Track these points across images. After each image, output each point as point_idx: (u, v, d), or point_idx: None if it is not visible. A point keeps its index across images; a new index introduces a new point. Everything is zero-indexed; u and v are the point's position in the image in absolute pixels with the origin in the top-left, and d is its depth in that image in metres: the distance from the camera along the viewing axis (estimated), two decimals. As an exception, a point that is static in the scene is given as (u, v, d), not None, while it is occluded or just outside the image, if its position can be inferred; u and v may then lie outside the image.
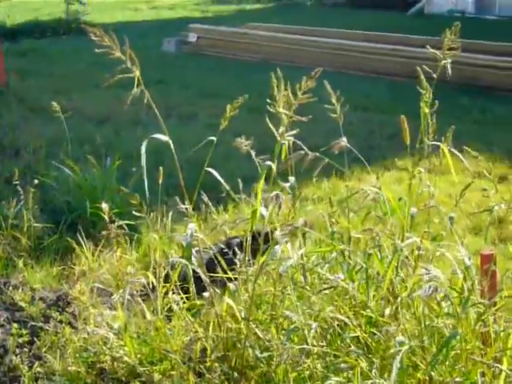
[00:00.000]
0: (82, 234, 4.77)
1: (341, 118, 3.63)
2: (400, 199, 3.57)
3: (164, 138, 3.31)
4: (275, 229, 3.99)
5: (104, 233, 3.85)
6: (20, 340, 4.01)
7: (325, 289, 2.95)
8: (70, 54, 14.94)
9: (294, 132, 3.11)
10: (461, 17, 20.51)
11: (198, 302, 3.55)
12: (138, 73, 3.09)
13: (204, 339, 3.21)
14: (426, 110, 3.04)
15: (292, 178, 3.22)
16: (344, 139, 3.33)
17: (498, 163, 6.97)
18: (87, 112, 9.35)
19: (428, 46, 3.49)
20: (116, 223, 4.27)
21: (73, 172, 5.63)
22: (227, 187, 3.73)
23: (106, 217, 4.31)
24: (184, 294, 3.70)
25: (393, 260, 2.92)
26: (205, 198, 4.14)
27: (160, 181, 3.50)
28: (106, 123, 8.97)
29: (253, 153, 3.39)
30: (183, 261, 3.23)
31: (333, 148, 3.31)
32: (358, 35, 14.23)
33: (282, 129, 3.06)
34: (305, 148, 3.20)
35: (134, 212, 4.70)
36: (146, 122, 8.54)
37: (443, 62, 3.11)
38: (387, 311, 2.98)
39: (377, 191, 3.49)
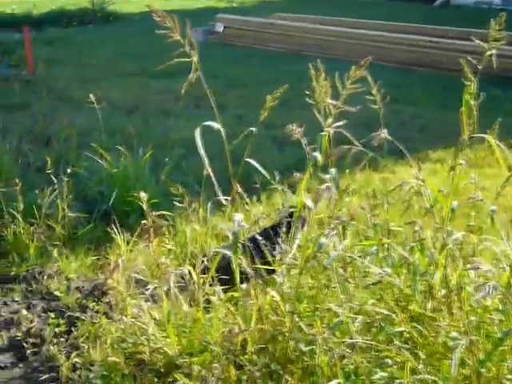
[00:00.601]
0: (117, 223, 4.75)
1: (380, 109, 3.59)
2: (439, 191, 3.52)
3: (216, 125, 3.27)
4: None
5: (144, 223, 3.79)
6: (57, 330, 4.01)
7: (373, 283, 2.91)
8: (96, 43, 14.94)
9: (341, 123, 3.07)
10: (487, 8, 20.33)
11: (238, 294, 3.53)
12: (195, 58, 3.05)
13: (245, 331, 3.17)
14: (472, 102, 2.97)
15: (333, 170, 3.17)
16: (385, 131, 3.28)
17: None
18: (116, 101, 9.33)
19: (473, 38, 3.43)
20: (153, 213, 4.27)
21: (105, 162, 5.63)
22: (268, 176, 3.69)
23: (145, 206, 4.30)
24: (221, 286, 3.67)
25: (441, 255, 2.87)
26: (239, 189, 4.12)
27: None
28: (135, 113, 8.96)
29: (304, 141, 3.34)
30: (227, 252, 3.19)
31: (373, 140, 3.27)
32: (387, 26, 14.11)
33: (329, 120, 3.02)
34: (353, 139, 3.15)
35: (174, 202, 4.71)
36: (175, 111, 8.53)
37: (488, 53, 3.03)
38: (430, 306, 2.94)
39: (420, 183, 3.44)
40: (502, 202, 5.25)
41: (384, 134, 3.24)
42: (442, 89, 10.14)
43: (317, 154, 3.03)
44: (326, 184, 2.97)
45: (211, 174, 3.24)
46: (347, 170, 4.91)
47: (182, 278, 3.93)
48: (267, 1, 25.61)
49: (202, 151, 3.07)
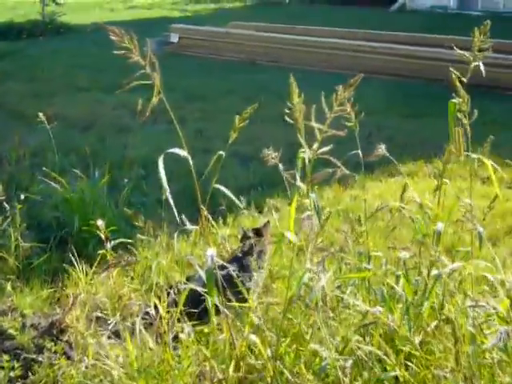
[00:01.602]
0: (74, 252, 4.43)
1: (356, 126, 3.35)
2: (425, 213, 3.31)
3: (182, 152, 2.98)
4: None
5: (111, 260, 3.50)
6: (12, 374, 3.68)
7: (366, 324, 2.64)
8: (48, 56, 14.52)
9: (327, 148, 2.81)
10: (443, 13, 20.34)
11: (209, 329, 3.27)
12: (158, 80, 2.77)
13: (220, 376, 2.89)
14: (465, 121, 2.73)
15: (314, 196, 2.91)
16: (383, 147, 3.06)
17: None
18: (70, 117, 8.97)
19: (447, 45, 3.20)
20: (112, 242, 4.00)
21: (60, 185, 5.29)
22: (240, 204, 3.42)
23: (102, 235, 4.02)
24: (190, 319, 3.41)
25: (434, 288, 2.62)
26: (205, 211, 3.86)
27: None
28: (91, 130, 8.59)
29: (281, 167, 3.08)
30: (199, 288, 2.91)
31: (369, 157, 3.05)
32: (343, 33, 13.94)
33: (315, 145, 2.76)
34: (339, 164, 2.88)
35: (134, 227, 4.43)
36: (132, 127, 8.21)
37: (473, 64, 2.79)
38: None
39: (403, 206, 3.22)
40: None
41: (382, 149, 3.02)
42: (403, 97, 9.98)
43: (300, 184, 2.76)
44: (308, 213, 2.71)
45: (171, 202, 2.94)
46: (315, 187, 4.66)
47: (147, 313, 3.65)
48: (222, 9, 25.42)
49: (165, 184, 2.77)
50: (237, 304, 3.08)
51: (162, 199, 5.86)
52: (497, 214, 5.10)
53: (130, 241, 4.37)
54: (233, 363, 2.79)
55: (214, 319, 3.10)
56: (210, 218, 4.11)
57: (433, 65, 10.98)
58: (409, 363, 2.71)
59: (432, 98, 8.72)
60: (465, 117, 2.78)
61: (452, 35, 13.05)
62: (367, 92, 8.92)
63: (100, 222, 4.02)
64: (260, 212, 5.45)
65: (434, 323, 2.75)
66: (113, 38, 2.67)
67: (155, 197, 5.84)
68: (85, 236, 4.95)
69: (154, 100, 2.73)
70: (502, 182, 5.78)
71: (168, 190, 2.83)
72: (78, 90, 11.01)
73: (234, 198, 3.48)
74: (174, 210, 3.11)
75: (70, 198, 5.21)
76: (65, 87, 11.17)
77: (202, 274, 2.90)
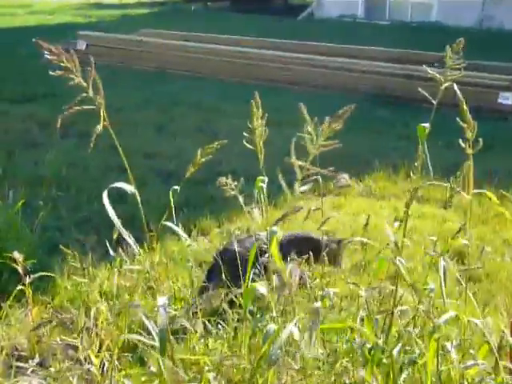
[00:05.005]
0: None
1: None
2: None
3: (128, 188, 2.64)
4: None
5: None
6: None
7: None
8: None
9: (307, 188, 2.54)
10: (351, 21, 20.43)
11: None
12: (102, 105, 2.44)
13: None
14: (470, 151, 2.48)
15: (275, 229, 2.64)
16: (345, 176, 2.83)
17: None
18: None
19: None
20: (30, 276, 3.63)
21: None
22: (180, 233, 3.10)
23: (21, 270, 3.64)
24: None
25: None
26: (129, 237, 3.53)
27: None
28: (-3, 144, 8.05)
29: (240, 198, 2.79)
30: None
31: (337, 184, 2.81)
32: (259, 42, 13.73)
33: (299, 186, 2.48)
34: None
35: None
36: (43, 142, 7.74)
37: (445, 84, 2.55)
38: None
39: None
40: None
41: (345, 178, 2.79)
42: (321, 110, 9.77)
43: (274, 229, 2.48)
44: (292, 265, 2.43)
45: (130, 241, 2.62)
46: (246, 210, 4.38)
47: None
48: (128, 15, 24.90)
49: (118, 224, 2.43)
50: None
51: (79, 222, 5.50)
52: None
53: (49, 274, 4.01)
54: None
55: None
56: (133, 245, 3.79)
57: (347, 76, 10.93)
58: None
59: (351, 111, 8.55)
60: (469, 146, 2.51)
61: (361, 45, 13.07)
62: (280, 105, 8.69)
63: (17, 255, 3.66)
64: (189, 235, 5.12)
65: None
66: (50, 57, 2.31)
67: (72, 219, 5.45)
68: (-2, 266, 4.52)
69: (99, 128, 2.38)
70: (436, 202, 5.65)
71: (123, 231, 2.48)
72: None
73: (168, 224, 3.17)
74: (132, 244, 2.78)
75: (-21, 224, 4.76)
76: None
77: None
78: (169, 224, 2.94)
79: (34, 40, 2.66)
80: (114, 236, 3.00)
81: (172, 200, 3.02)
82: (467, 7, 18.32)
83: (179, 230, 3.07)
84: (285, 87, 10.97)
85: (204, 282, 4.05)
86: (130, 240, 2.77)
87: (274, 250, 2.49)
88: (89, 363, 3.11)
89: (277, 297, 2.58)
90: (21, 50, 13.36)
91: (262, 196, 2.91)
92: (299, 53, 12.11)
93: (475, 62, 9.98)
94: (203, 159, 2.69)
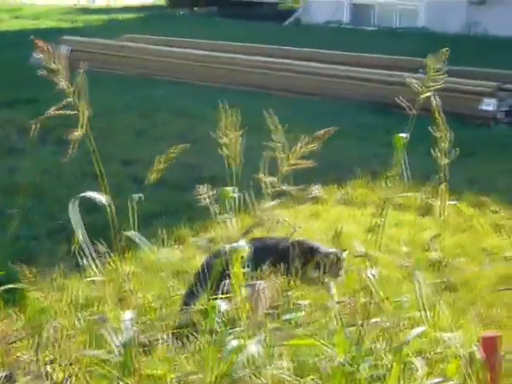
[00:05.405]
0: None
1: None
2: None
3: (98, 197, 2.56)
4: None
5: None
6: None
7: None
8: None
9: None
10: (337, 27, 20.37)
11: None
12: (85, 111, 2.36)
13: None
14: (445, 161, 2.41)
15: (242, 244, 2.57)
16: (318, 187, 2.78)
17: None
18: None
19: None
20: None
21: None
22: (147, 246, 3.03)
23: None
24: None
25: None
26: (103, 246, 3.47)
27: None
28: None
29: (212, 208, 2.74)
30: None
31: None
32: (245, 48, 13.66)
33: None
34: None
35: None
36: (20, 148, 7.63)
37: (427, 94, 2.50)
38: None
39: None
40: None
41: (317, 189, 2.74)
42: (304, 115, 9.72)
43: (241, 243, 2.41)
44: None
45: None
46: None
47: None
48: (115, 20, 24.79)
49: (80, 236, 2.36)
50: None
51: (52, 231, 5.41)
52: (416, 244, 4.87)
53: (20, 286, 3.93)
54: None
55: None
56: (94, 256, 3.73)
57: (330, 82, 10.90)
58: None
59: (333, 117, 8.47)
60: (444, 155, 2.45)
61: (347, 51, 13.02)
62: (262, 110, 8.60)
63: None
64: (162, 244, 5.03)
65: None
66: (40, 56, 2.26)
67: (46, 228, 5.36)
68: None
69: (79, 133, 2.31)
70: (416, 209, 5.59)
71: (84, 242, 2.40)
72: None
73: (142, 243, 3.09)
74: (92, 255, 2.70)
75: None
76: None
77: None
78: (129, 234, 2.86)
79: (31, 38, 2.62)
80: (72, 247, 2.88)
81: (135, 208, 2.94)
82: (454, 13, 18.30)
83: (143, 240, 2.99)
84: (269, 92, 10.91)
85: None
86: (90, 252, 2.70)
87: (238, 269, 2.43)
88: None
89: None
90: (3, 54, 13.28)
91: (234, 205, 2.87)
92: (284, 58, 12.08)
93: (459, 68, 9.94)
94: (164, 165, 2.63)
